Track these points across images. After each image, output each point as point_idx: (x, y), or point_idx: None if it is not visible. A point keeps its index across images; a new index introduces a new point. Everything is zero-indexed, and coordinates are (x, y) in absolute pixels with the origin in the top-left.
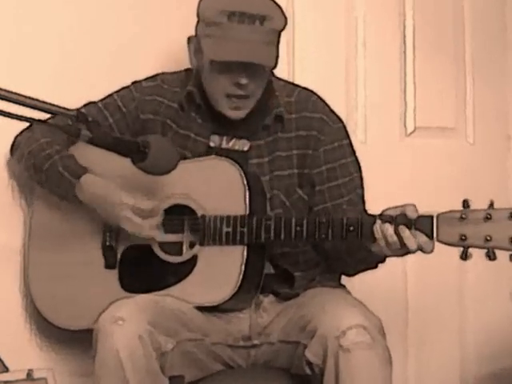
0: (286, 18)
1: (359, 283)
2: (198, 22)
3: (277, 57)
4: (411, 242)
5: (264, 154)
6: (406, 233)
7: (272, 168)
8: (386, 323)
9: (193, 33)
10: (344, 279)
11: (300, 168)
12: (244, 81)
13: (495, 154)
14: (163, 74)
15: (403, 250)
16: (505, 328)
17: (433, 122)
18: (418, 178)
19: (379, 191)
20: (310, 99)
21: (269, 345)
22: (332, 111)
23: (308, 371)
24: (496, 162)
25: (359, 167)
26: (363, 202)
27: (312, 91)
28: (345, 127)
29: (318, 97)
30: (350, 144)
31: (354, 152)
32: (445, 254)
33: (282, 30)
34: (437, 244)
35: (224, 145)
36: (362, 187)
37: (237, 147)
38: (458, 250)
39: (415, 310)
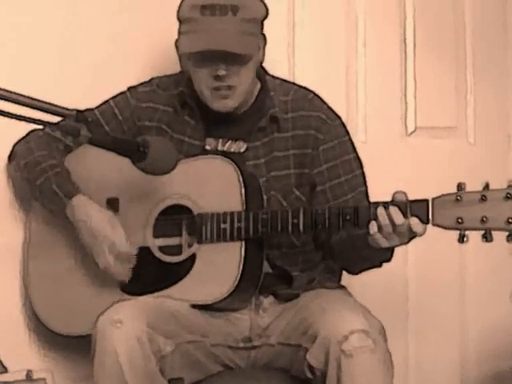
0: (265, 6)
1: (359, 282)
2: (179, 23)
3: (256, 46)
4: (398, 218)
5: (260, 155)
6: (395, 210)
7: (269, 169)
8: (386, 323)
9: None
10: (344, 278)
11: (298, 168)
12: (222, 72)
13: (496, 154)
14: (159, 77)
15: (397, 235)
16: (506, 328)
17: (433, 122)
18: (419, 178)
19: (380, 191)
20: (306, 98)
21: (269, 346)
22: (330, 108)
23: (309, 375)
24: (497, 161)
25: (361, 164)
26: (368, 200)
27: (309, 89)
28: (343, 124)
29: (315, 95)
30: (350, 140)
31: (354, 149)
32: (445, 254)
33: (262, 18)
34: (437, 244)
35: (220, 147)
36: (365, 184)
37: (233, 149)
38: (458, 251)
39: (415, 309)
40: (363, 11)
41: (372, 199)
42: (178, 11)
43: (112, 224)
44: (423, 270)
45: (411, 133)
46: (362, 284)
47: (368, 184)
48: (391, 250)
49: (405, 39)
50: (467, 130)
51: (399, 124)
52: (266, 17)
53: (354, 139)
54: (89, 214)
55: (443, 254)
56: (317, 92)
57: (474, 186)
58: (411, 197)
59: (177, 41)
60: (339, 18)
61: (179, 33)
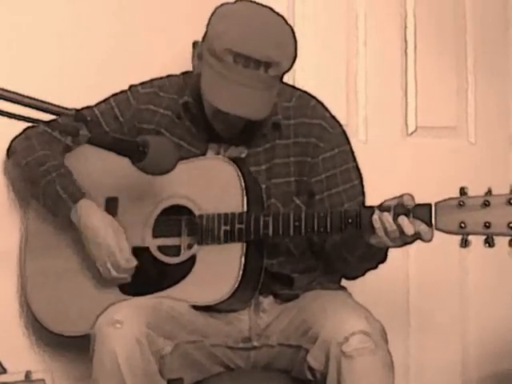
0: (295, 55)
1: (360, 283)
2: (205, 35)
3: (274, 99)
4: (409, 229)
5: (261, 161)
6: (404, 220)
7: (269, 176)
8: (386, 324)
9: (193, 33)
10: (344, 279)
11: (298, 175)
12: (236, 131)
13: (497, 154)
14: (161, 78)
15: (402, 239)
16: (507, 329)
17: (434, 122)
18: (420, 178)
19: (380, 191)
20: (309, 104)
21: (269, 347)
22: (332, 116)
23: (309, 376)
24: (498, 161)
25: (360, 174)
26: None
27: (311, 95)
28: (345, 132)
29: (318, 101)
30: (351, 150)
31: (354, 158)
32: (446, 254)
33: (289, 69)
34: (438, 244)
35: (222, 152)
36: (363, 195)
37: (234, 155)
38: (459, 251)
39: (416, 311)
40: (364, 11)
41: (373, 198)
42: (210, 34)
43: (117, 235)
44: (424, 272)
45: (412, 132)
46: (362, 285)
47: (368, 184)
48: (385, 250)
49: (405, 39)
50: (468, 130)
51: (400, 124)
52: (291, 68)
53: (354, 139)
54: (94, 222)
55: (444, 255)
56: (317, 92)
57: (474, 185)
58: None
59: (197, 42)
60: (340, 17)
61: (205, 58)
